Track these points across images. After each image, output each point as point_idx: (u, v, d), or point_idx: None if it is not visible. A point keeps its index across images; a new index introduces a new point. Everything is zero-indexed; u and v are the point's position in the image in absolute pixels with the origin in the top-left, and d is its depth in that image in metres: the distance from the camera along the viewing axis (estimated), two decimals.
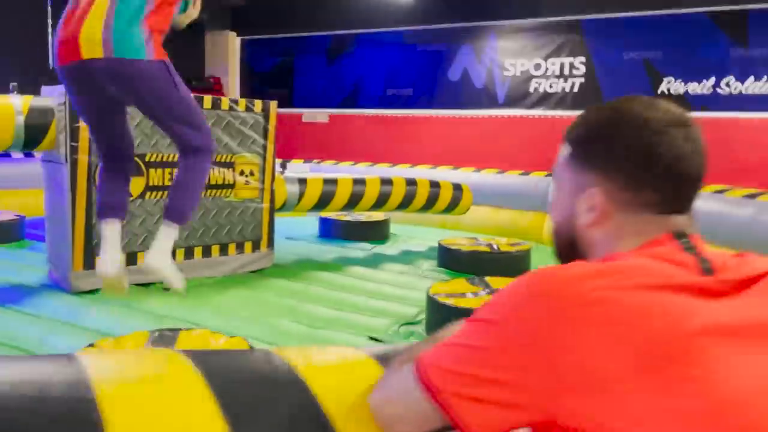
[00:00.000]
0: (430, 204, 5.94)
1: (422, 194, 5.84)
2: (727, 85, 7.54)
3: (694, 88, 7.82)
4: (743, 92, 7.45)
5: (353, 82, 10.59)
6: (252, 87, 11.15)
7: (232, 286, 4.36)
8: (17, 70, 6.99)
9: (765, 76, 7.28)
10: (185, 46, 10.76)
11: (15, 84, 5.14)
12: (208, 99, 4.42)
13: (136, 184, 4.13)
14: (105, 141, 2.80)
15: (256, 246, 4.76)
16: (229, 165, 4.52)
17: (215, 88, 10.69)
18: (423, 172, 7.71)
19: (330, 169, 8.63)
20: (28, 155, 6.42)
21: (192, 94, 2.77)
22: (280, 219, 6.49)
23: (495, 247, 5.19)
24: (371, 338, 3.41)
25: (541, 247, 5.82)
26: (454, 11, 9.45)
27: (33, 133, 3.90)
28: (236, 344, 2.62)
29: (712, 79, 7.66)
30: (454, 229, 7.12)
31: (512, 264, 4.94)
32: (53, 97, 3.92)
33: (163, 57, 2.58)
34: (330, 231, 6.51)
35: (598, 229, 0.90)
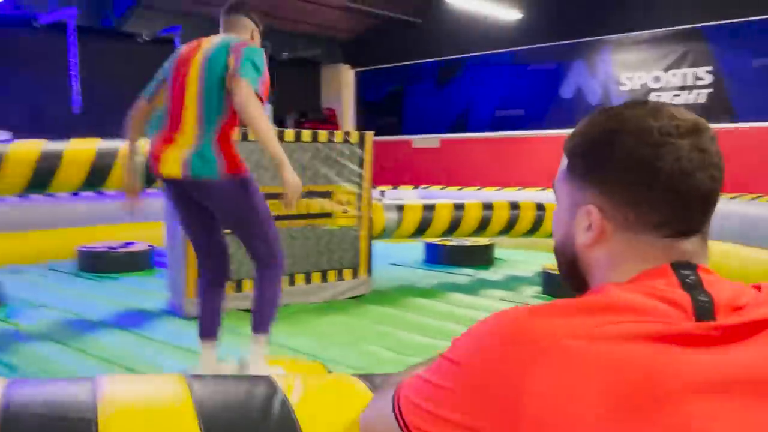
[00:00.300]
0: (535, 228, 5.78)
1: (526, 218, 5.70)
2: None
3: None
4: None
5: (463, 106, 10.61)
6: (365, 116, 11.49)
7: (330, 312, 4.49)
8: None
9: None
10: (302, 80, 11.34)
11: None
12: (306, 133, 4.62)
13: None
14: (201, 249, 2.88)
15: (354, 273, 4.88)
16: (328, 195, 4.69)
17: (330, 119, 11.14)
18: (532, 195, 7.52)
19: (437, 194, 8.65)
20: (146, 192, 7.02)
21: (267, 206, 2.83)
22: (386, 244, 6.61)
23: None
24: None
25: None
26: (565, 27, 9.22)
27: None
28: (314, 369, 2.70)
29: None
30: None
31: None
32: None
33: (236, 170, 2.61)
34: (435, 256, 6.52)
35: (596, 250, 0.81)
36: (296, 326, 4.13)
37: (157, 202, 5.18)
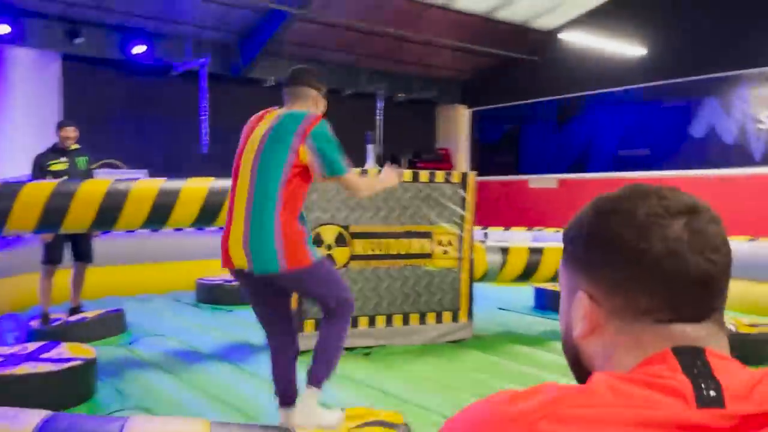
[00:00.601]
0: None
1: None
2: None
3: None
4: None
5: (583, 145, 10.22)
6: (480, 156, 11.38)
7: (427, 355, 4.37)
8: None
9: None
10: (418, 121, 11.48)
11: None
12: (407, 174, 4.61)
13: (341, 254, 4.44)
14: (272, 328, 2.82)
15: (454, 316, 4.75)
16: (427, 235, 4.63)
17: (444, 159, 11.14)
18: None
19: (551, 237, 8.31)
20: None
21: (332, 267, 2.86)
22: (494, 288, 6.40)
23: (732, 327, 4.44)
24: None
25: None
26: (694, 62, 8.66)
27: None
28: (392, 417, 2.61)
29: None
30: None
31: (750, 349, 4.17)
32: None
33: (300, 262, 2.52)
34: (545, 302, 6.22)
35: (593, 340, 0.75)
36: (390, 368, 4.06)
37: None
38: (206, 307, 6.17)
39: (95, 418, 1.07)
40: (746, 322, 4.64)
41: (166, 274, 7.08)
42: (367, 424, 2.59)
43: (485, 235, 6.76)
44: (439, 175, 4.70)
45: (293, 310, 2.95)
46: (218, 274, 6.92)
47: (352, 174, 2.61)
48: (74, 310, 5.05)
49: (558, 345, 4.72)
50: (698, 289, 0.68)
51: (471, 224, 4.76)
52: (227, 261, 2.59)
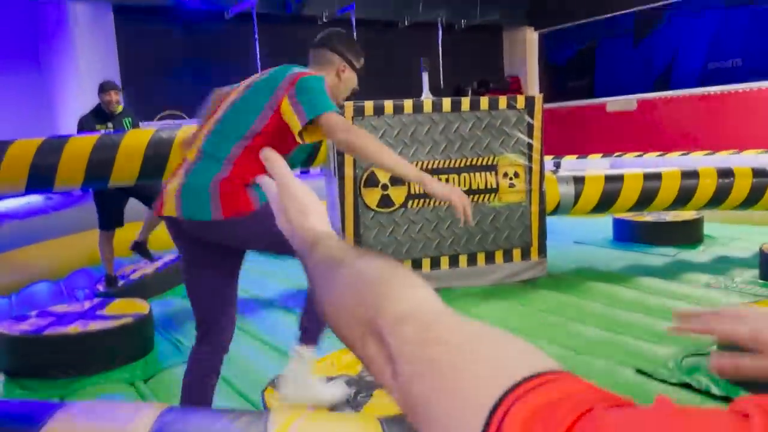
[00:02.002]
0: (753, 199, 4.76)
1: (742, 187, 4.71)
2: None
3: None
4: None
5: (665, 61, 9.33)
6: (550, 82, 10.65)
7: (496, 297, 4.06)
8: None
9: None
10: (483, 47, 10.81)
11: None
12: (465, 101, 4.21)
13: (398, 194, 4.14)
14: (205, 314, 2.18)
15: (525, 254, 4.39)
16: (491, 168, 4.24)
17: (512, 87, 10.49)
18: (749, 159, 6.31)
19: (632, 162, 7.68)
20: (304, 172, 7.09)
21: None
22: (570, 220, 5.96)
23: None
24: (639, 371, 2.76)
25: None
26: None
27: (312, 151, 4.19)
28: None
29: None
30: None
31: None
32: None
33: (239, 208, 1.99)
34: (626, 234, 5.72)
35: None
36: (456, 310, 3.78)
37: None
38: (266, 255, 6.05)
39: (226, 413, 0.86)
40: None
41: None
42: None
43: (556, 165, 6.26)
44: (502, 100, 4.26)
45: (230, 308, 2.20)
46: None
47: (345, 122, 2.00)
48: (139, 246, 4.63)
49: (644, 281, 4.32)
50: None
51: (540, 152, 4.32)
52: (160, 207, 2.08)
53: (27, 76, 8.90)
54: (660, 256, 5.08)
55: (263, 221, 1.72)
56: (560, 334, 3.32)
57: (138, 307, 3.50)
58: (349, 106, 4.03)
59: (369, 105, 4.07)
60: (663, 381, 2.65)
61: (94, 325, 3.18)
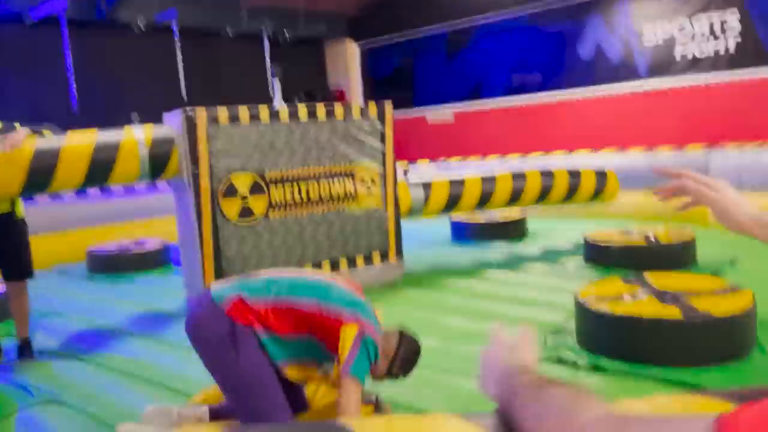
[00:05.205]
0: (570, 195, 5.39)
1: (560, 186, 5.31)
2: None
3: None
4: None
5: (476, 75, 10.18)
6: (374, 94, 11.08)
7: None
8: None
9: None
10: (307, 60, 10.92)
11: (135, 114, 5.27)
12: (321, 108, 4.25)
13: (258, 204, 4.05)
14: None
15: (384, 256, 4.53)
16: (349, 174, 4.33)
17: (338, 99, 10.74)
18: (558, 161, 7.12)
19: (458, 166, 8.28)
20: (152, 188, 6.69)
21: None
22: (409, 225, 6.25)
23: (652, 237, 4.55)
24: None
25: (706, 232, 5.03)
26: None
27: (158, 163, 3.90)
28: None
29: None
30: (601, 218, 6.43)
31: (674, 256, 4.30)
32: (173, 124, 3.93)
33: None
34: (463, 233, 6.16)
35: None
36: None
37: (166, 197, 4.85)
38: (102, 278, 5.55)
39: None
40: (662, 231, 4.78)
41: (47, 247, 6.31)
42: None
43: (405, 172, 6.56)
44: (356, 108, 4.37)
45: None
46: (110, 239, 6.28)
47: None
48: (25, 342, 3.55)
49: (491, 273, 4.67)
50: None
51: (392, 159, 4.50)
52: None
53: None
54: (496, 251, 5.53)
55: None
56: (433, 328, 3.48)
57: None
58: (202, 111, 3.86)
59: (223, 112, 3.93)
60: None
61: None
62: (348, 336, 1.97)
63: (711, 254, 4.56)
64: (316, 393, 2.44)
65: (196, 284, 4.01)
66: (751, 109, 7.24)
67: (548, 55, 9.25)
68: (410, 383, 2.71)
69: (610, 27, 8.65)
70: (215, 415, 2.33)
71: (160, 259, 5.86)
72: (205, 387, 2.56)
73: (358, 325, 1.99)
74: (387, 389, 2.45)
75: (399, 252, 4.61)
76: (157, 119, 4.16)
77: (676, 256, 4.31)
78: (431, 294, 4.23)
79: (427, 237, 6.27)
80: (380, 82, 11.32)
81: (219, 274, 3.94)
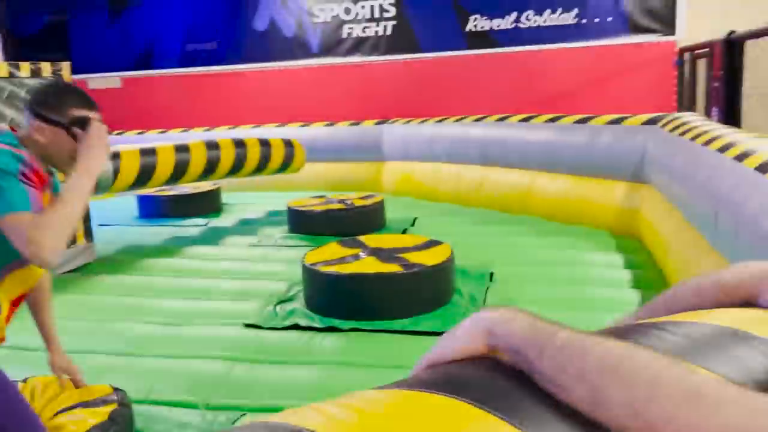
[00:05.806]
0: (262, 165, 5.40)
1: (253, 155, 5.27)
2: (527, 19, 7.84)
3: (499, 24, 8.02)
4: (541, 25, 7.80)
5: (146, 39, 9.44)
6: (17, 55, 9.45)
7: (54, 291, 3.52)
8: None
9: (559, 8, 7.67)
10: None
11: None
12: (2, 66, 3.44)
13: None
14: None
15: (70, 240, 3.92)
16: None
17: None
18: (247, 134, 7.08)
19: (128, 140, 7.64)
20: None
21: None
22: (90, 203, 5.53)
23: (349, 203, 4.86)
24: (248, 325, 2.91)
25: (389, 197, 5.58)
26: None
27: None
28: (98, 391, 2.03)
29: (514, 15, 7.92)
30: (289, 190, 6.62)
31: (369, 219, 4.68)
32: None
33: None
34: (152, 209, 5.69)
35: None
36: (17, 319, 3.13)
37: None
38: None
39: None
40: (354, 196, 5.13)
41: None
42: (74, 407, 1.94)
43: None
44: (24, 66, 3.64)
45: None
46: None
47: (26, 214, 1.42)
48: None
49: (193, 250, 4.45)
50: None
51: None
52: None
53: None
54: (194, 226, 5.27)
55: None
56: (149, 312, 3.16)
57: None
58: None
59: None
60: (274, 328, 2.86)
61: None
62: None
63: (395, 216, 5.08)
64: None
65: None
66: (410, 88, 8.23)
67: (225, 25, 9.07)
68: (150, 374, 2.42)
69: (283, 2, 8.86)
70: None
71: None
72: None
73: None
74: (120, 382, 2.14)
75: (88, 233, 4.04)
76: None
77: (372, 218, 4.69)
78: (133, 277, 3.83)
79: (111, 215, 5.64)
80: (28, 41, 9.69)
81: None
